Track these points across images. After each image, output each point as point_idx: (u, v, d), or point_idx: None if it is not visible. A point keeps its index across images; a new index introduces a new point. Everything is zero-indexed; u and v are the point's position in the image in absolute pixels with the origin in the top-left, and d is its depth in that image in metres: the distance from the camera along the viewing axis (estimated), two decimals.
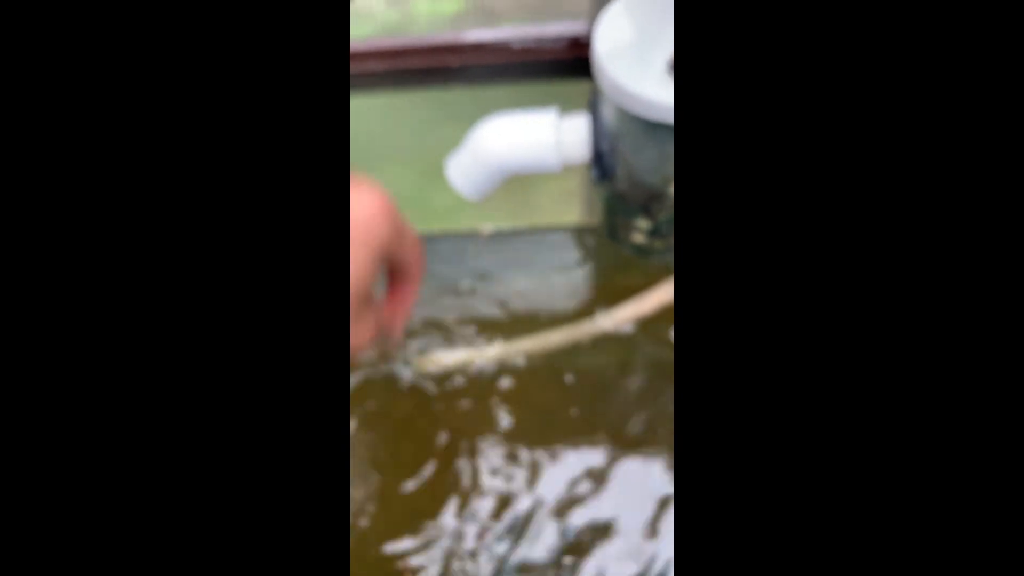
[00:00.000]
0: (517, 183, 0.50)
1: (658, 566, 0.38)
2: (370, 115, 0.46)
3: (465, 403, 0.44)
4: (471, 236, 0.50)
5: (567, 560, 0.38)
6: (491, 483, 0.41)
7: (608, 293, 0.46)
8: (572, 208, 0.53)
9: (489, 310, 0.48)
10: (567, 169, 0.36)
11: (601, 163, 0.34)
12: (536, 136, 0.34)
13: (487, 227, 0.50)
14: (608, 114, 0.32)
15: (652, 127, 0.30)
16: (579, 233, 0.50)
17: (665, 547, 0.39)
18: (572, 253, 0.50)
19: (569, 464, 0.41)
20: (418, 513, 0.40)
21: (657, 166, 0.32)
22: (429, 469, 0.42)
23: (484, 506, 0.40)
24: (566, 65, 0.35)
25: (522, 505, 0.40)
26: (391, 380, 0.45)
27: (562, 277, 0.49)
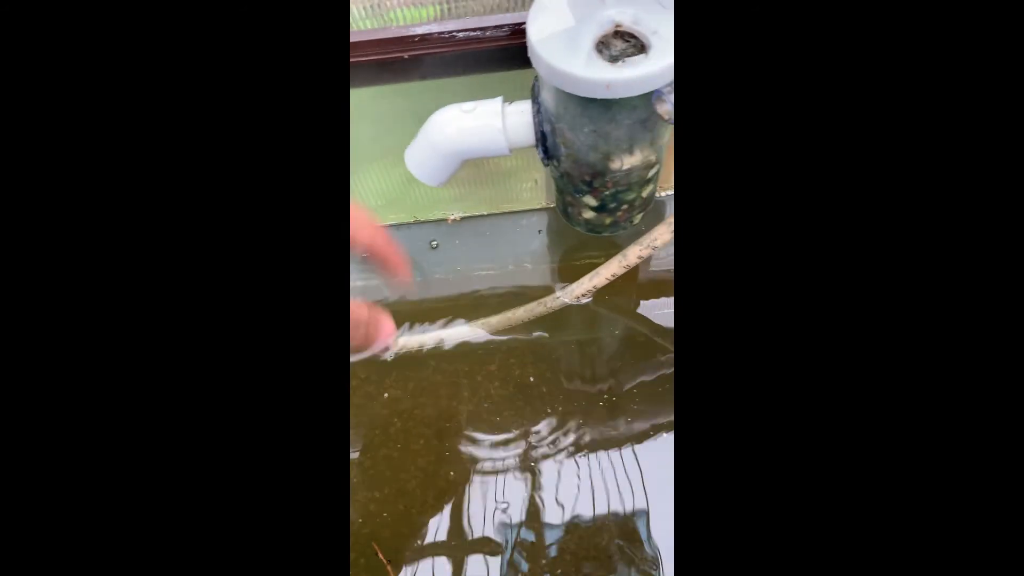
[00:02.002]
0: (494, 175, 0.51)
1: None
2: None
3: (437, 380, 0.46)
4: (440, 223, 0.52)
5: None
6: (474, 460, 0.43)
7: (570, 270, 0.48)
8: (544, 195, 0.54)
9: (458, 291, 0.50)
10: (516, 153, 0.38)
11: (545, 144, 0.36)
12: (484, 122, 0.36)
13: (455, 214, 0.52)
14: (547, 97, 0.34)
15: (586, 105, 0.32)
16: (540, 216, 0.52)
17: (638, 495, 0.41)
18: (535, 235, 0.52)
19: (550, 433, 0.43)
20: (406, 492, 0.42)
21: (594, 143, 0.34)
22: (411, 446, 0.44)
23: (470, 482, 0.42)
24: (512, 53, 0.37)
25: (512, 476, 0.42)
26: (370, 360, 0.47)
27: (526, 257, 0.51)
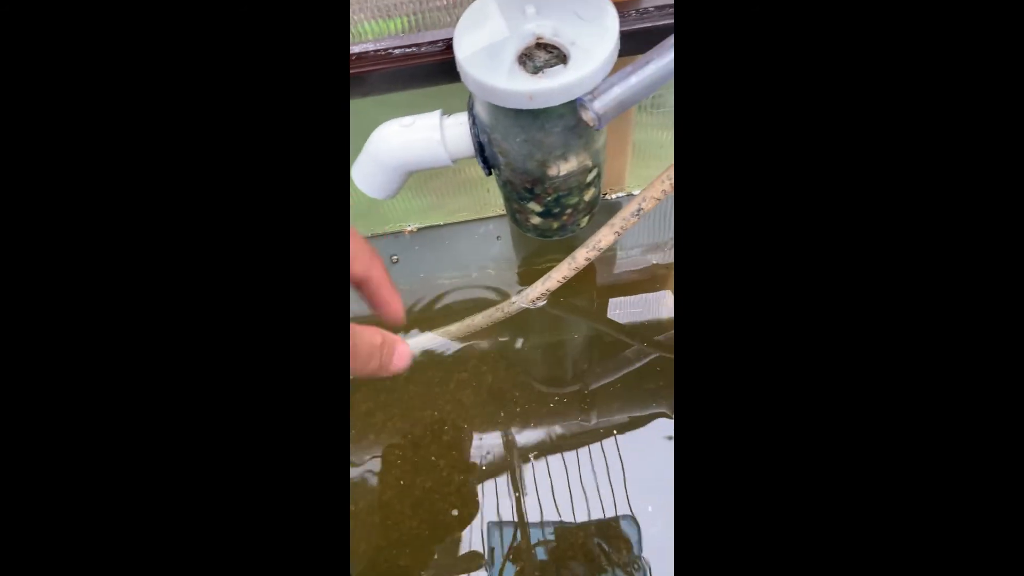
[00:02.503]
0: (467, 183, 0.52)
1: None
2: None
3: (409, 390, 0.46)
4: (398, 235, 0.53)
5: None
6: (450, 468, 0.43)
7: (533, 274, 0.49)
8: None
9: (423, 301, 0.50)
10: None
11: (483, 154, 0.37)
12: (423, 135, 0.37)
13: (411, 225, 0.53)
14: (481, 109, 0.35)
15: (515, 115, 0.33)
16: (498, 222, 0.53)
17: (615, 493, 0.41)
18: (494, 241, 0.53)
19: (525, 436, 0.44)
20: (382, 503, 0.42)
21: (529, 152, 0.35)
22: (385, 457, 0.44)
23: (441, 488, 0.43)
24: (449, 67, 0.37)
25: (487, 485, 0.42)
26: None
27: (489, 264, 0.51)
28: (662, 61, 0.29)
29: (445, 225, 0.53)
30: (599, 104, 0.30)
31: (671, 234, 0.52)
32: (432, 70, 0.39)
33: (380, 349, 0.26)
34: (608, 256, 0.51)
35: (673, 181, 0.35)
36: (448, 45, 0.37)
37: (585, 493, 0.41)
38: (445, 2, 0.40)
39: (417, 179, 0.51)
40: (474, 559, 0.40)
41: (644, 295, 0.49)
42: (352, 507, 0.42)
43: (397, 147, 0.38)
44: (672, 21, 0.35)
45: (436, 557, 0.40)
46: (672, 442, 0.42)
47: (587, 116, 0.31)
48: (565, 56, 0.31)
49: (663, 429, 0.43)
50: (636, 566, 0.39)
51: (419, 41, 0.38)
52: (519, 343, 0.48)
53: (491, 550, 0.40)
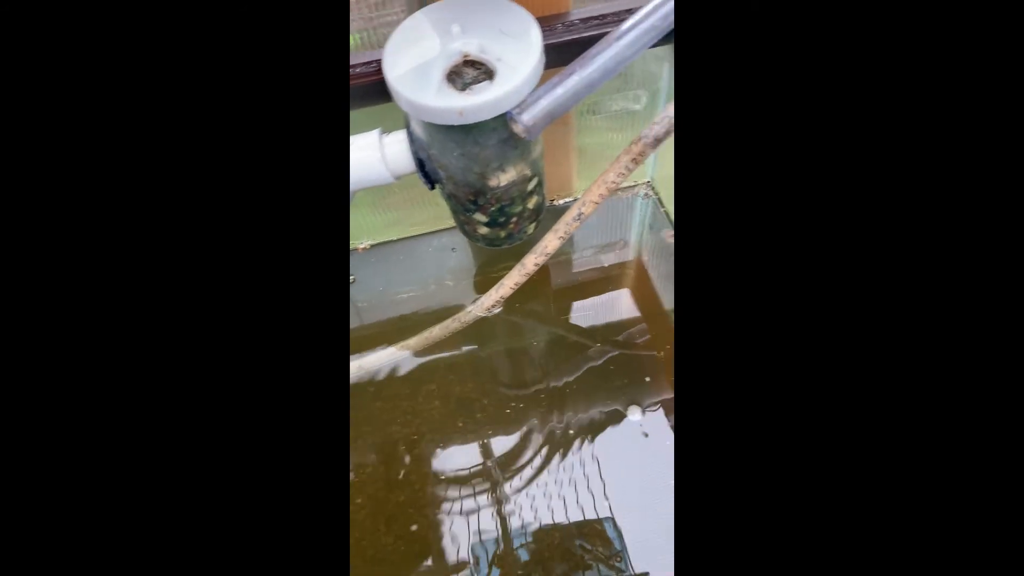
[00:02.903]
0: (428, 195, 0.52)
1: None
2: None
3: (377, 406, 0.46)
4: (351, 252, 0.53)
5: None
6: (422, 481, 0.43)
7: (491, 283, 0.49)
8: None
9: (383, 317, 0.50)
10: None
11: (424, 170, 0.37)
12: (363, 154, 0.37)
13: (364, 242, 0.53)
14: (417, 127, 0.36)
15: (448, 131, 0.34)
16: (451, 234, 0.53)
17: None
18: (449, 253, 0.53)
19: (497, 442, 0.44)
20: (356, 522, 0.42)
21: (466, 165, 0.36)
22: (357, 476, 0.44)
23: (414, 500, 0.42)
24: (382, 87, 0.38)
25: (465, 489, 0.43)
26: None
27: (446, 275, 0.52)
28: (585, 71, 0.30)
29: (399, 240, 0.53)
30: (527, 116, 0.31)
31: (622, 235, 0.53)
32: (368, 91, 0.39)
33: None
34: (562, 259, 0.52)
35: (609, 185, 0.36)
36: (380, 66, 0.37)
37: (563, 494, 0.42)
38: (394, 18, 0.41)
39: (372, 196, 0.51)
40: (456, 567, 0.40)
41: (601, 295, 0.50)
42: None
43: None
44: (596, 32, 0.36)
45: (416, 572, 0.40)
46: (642, 437, 0.43)
47: (517, 128, 0.32)
48: (492, 72, 0.32)
49: (630, 425, 0.43)
50: (618, 559, 0.39)
51: (353, 63, 0.38)
52: (483, 351, 0.48)
53: (475, 559, 0.40)
